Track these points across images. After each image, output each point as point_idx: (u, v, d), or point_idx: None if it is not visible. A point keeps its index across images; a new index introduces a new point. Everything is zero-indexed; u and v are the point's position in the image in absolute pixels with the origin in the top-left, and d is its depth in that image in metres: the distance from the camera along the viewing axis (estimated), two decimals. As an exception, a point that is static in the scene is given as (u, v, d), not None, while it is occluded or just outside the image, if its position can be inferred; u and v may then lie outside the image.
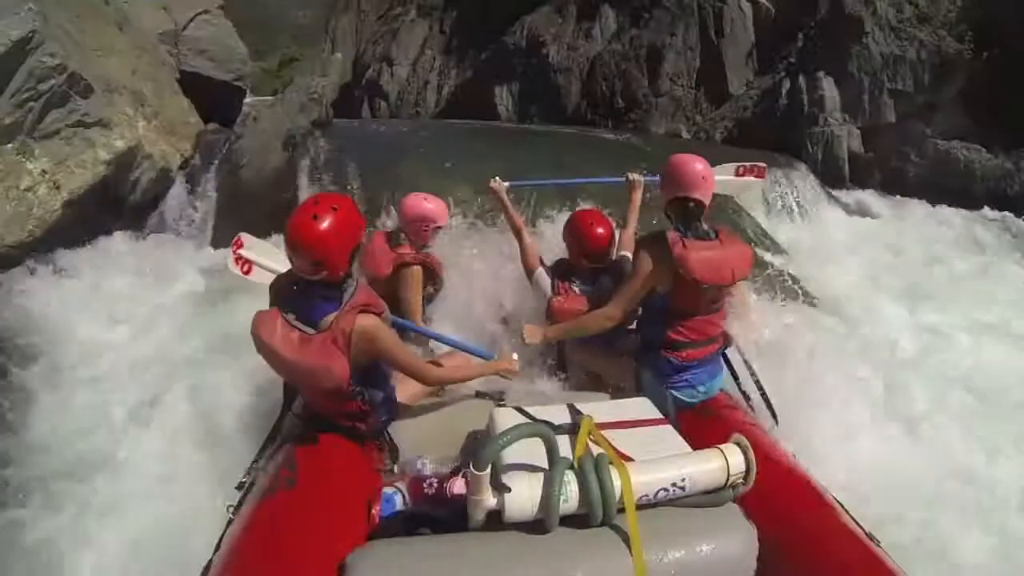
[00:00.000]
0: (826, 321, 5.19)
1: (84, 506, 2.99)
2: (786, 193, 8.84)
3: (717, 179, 3.75)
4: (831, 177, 10.13)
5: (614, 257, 3.51)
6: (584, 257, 3.34)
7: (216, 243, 5.84)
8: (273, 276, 2.93)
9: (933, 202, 9.41)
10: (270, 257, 3.22)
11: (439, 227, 3.58)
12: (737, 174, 4.14)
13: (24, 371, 3.91)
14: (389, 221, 5.20)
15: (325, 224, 2.11)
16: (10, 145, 5.21)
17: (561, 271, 3.42)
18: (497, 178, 3.72)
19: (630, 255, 3.51)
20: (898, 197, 9.81)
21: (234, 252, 3.24)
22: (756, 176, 4.19)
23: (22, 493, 3.04)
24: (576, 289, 3.32)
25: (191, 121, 7.47)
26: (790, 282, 5.87)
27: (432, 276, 3.59)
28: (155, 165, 6.19)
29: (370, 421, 2.45)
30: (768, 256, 6.98)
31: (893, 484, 3.12)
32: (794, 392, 3.24)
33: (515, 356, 2.90)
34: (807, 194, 9.04)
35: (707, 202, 2.78)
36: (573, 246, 3.39)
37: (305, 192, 5.84)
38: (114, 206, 5.94)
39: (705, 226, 2.75)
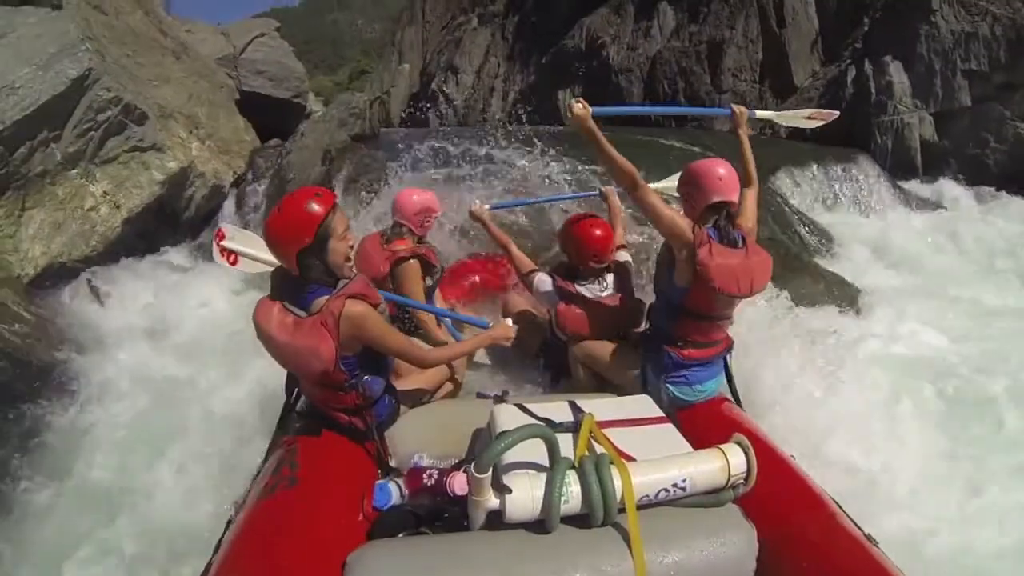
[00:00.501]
0: (875, 327, 4.88)
1: (89, 504, 3.15)
2: (847, 186, 8.49)
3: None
4: (902, 168, 9.56)
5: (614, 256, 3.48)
6: (591, 259, 3.29)
7: (263, 256, 6.08)
8: (262, 266, 3.03)
9: (1016, 192, 8.73)
10: (255, 247, 3.25)
11: (437, 216, 3.72)
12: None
13: (72, 372, 4.18)
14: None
15: (271, 222, 2.15)
16: (74, 171, 5.74)
17: (564, 275, 3.37)
18: (477, 202, 3.81)
19: (627, 254, 3.54)
20: (977, 187, 9.11)
21: (217, 244, 3.27)
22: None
23: (32, 485, 3.24)
24: (584, 291, 3.28)
25: (246, 139, 7.86)
26: (841, 284, 5.64)
27: (428, 268, 3.61)
28: (207, 183, 6.56)
29: (369, 417, 2.43)
30: (819, 255, 6.70)
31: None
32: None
33: (510, 322, 2.85)
34: (871, 187, 8.59)
35: (736, 202, 2.67)
36: (578, 251, 3.32)
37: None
38: (170, 222, 6.38)
39: (734, 232, 2.64)
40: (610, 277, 3.34)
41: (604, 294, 3.29)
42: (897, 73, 9.67)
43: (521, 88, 19.16)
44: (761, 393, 3.31)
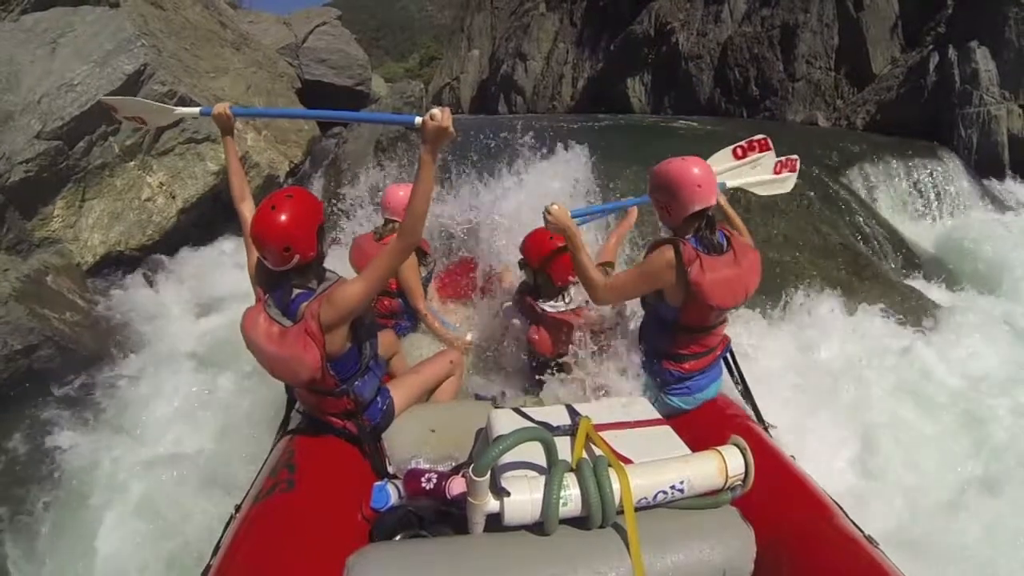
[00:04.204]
0: (943, 346, 4.50)
1: (88, 502, 3.25)
2: (927, 184, 7.91)
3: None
4: (988, 166, 8.83)
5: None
6: (563, 281, 3.14)
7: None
8: (170, 112, 3.11)
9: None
10: (142, 107, 3.18)
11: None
12: (739, 155, 3.40)
13: (110, 365, 4.37)
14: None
15: (284, 211, 2.17)
16: (132, 163, 5.99)
17: (528, 295, 3.24)
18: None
19: (612, 266, 3.42)
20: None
21: (122, 119, 3.29)
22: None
23: (40, 479, 3.36)
24: (548, 309, 3.14)
25: (304, 128, 8.00)
26: (915, 296, 5.29)
27: (423, 256, 3.70)
28: (261, 173, 6.72)
29: (363, 421, 2.46)
30: (892, 262, 6.30)
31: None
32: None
33: (436, 111, 2.12)
34: (953, 186, 8.00)
35: (715, 202, 2.50)
36: (549, 274, 3.15)
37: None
38: (225, 211, 6.49)
39: (717, 235, 2.53)
40: (572, 289, 3.19)
41: (569, 308, 3.15)
42: (983, 60, 8.89)
43: (590, 75, 18.91)
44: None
